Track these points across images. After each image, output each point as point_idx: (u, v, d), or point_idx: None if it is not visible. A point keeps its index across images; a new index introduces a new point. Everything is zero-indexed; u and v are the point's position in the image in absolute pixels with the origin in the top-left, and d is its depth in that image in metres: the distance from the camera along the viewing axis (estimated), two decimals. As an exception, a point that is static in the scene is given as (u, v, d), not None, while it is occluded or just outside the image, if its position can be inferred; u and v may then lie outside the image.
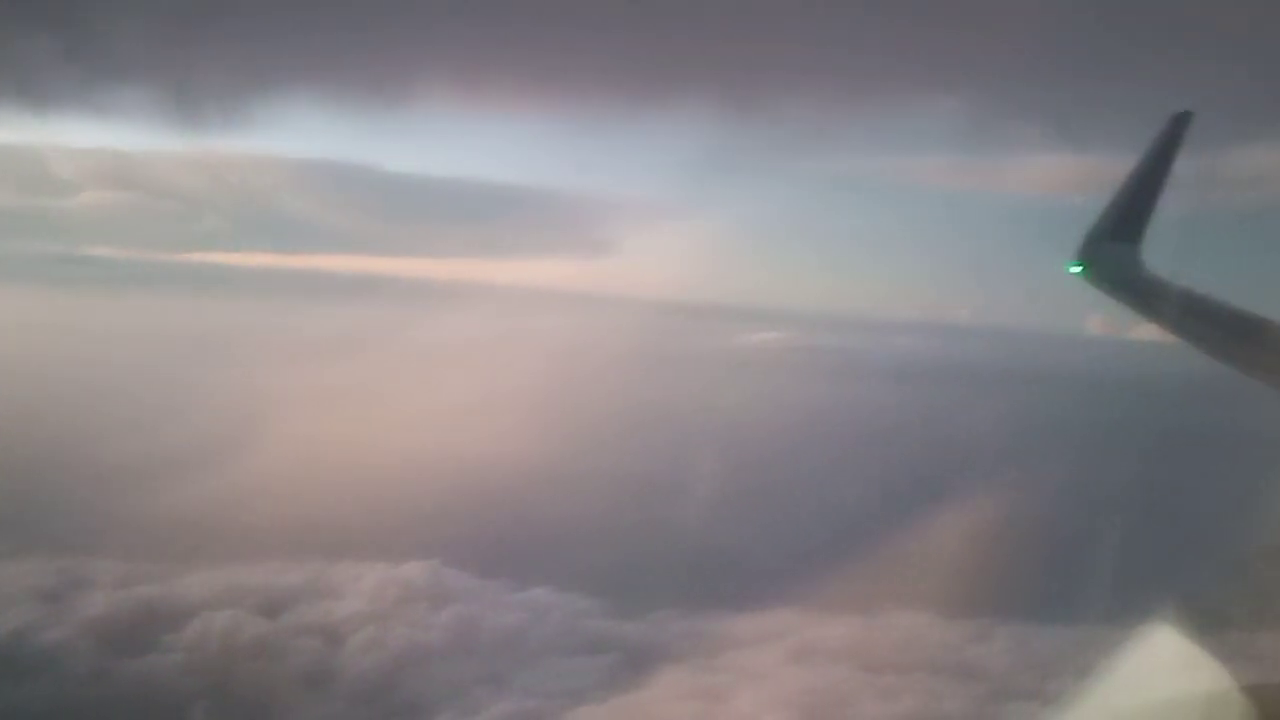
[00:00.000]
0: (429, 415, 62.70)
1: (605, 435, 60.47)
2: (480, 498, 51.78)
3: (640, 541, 43.82)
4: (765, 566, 40.51)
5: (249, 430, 60.39)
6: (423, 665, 35.20)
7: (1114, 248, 12.70)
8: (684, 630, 37.34)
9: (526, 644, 36.64)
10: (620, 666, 34.69)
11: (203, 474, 52.99)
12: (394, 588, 41.20)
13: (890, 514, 45.18)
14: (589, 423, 62.07)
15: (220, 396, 67.99)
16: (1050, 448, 55.57)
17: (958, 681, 32.02)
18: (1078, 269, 12.77)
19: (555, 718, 31.41)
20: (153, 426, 60.76)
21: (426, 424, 61.68)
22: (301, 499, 50.25)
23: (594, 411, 64.48)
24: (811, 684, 32.09)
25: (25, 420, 63.35)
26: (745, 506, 47.45)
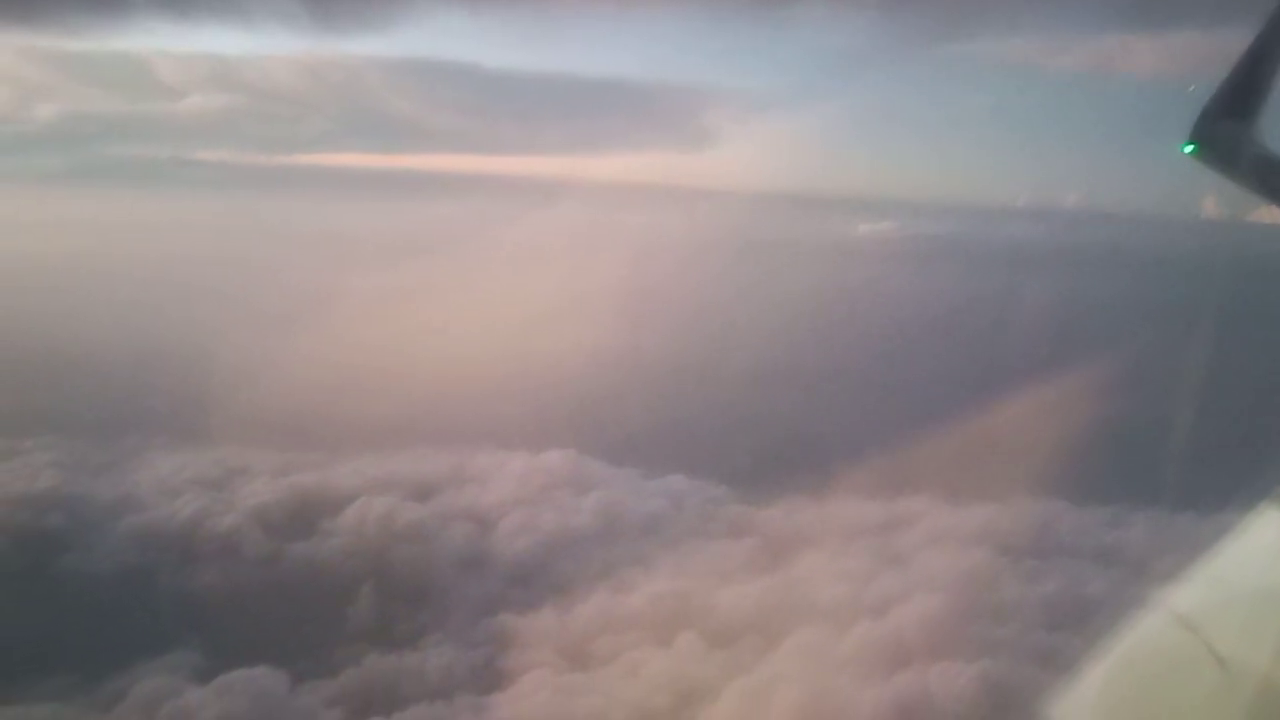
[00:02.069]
0: (546, 310, 63.98)
1: (720, 328, 61.26)
2: (606, 390, 53.17)
3: (765, 430, 44.93)
4: (891, 454, 41.21)
5: (376, 326, 62.35)
6: (572, 548, 36.82)
7: (1229, 125, 12.61)
8: (818, 517, 38.39)
9: (669, 529, 38.07)
10: (761, 551, 35.96)
11: (336, 367, 55.02)
12: (537, 475, 42.89)
13: (1013, 402, 45.53)
14: (703, 316, 62.86)
15: (344, 294, 69.94)
16: (1165, 332, 55.10)
17: (1098, 566, 32.73)
18: (1191, 149, 12.75)
19: (704, 598, 32.87)
20: (284, 323, 62.91)
21: (545, 319, 62.99)
22: (433, 392, 51.97)
23: (707, 305, 65.21)
24: (952, 567, 33.03)
25: (160, 321, 65.95)
26: (867, 395, 48.13)
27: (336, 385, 51.80)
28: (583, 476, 42.64)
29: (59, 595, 35.02)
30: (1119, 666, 2.44)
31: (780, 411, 46.22)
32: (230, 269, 78.88)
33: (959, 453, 42.26)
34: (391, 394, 51.08)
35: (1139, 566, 32.67)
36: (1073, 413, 45.54)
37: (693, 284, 68.37)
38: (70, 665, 31.23)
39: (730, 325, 59.58)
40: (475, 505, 40.62)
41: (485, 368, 53.81)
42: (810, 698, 25.87)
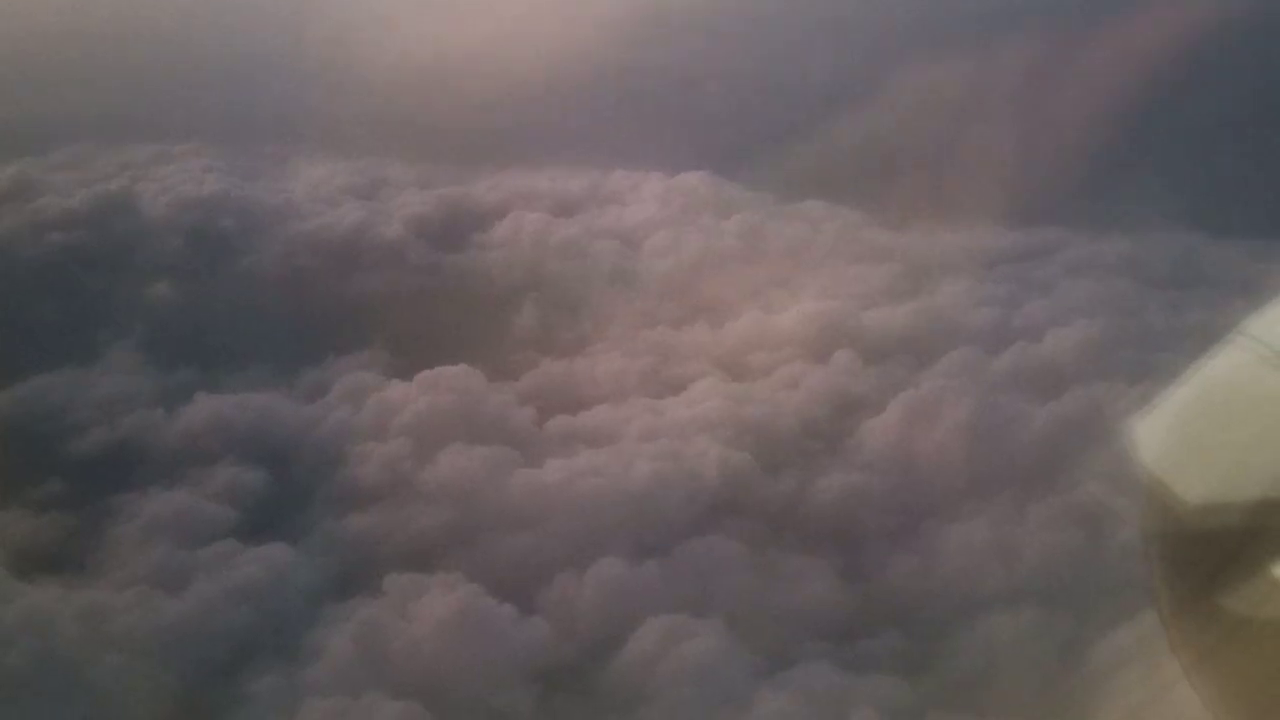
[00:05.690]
0: (664, 24, 63.00)
1: (847, 48, 60.05)
2: (736, 111, 53.23)
3: (900, 156, 45.04)
4: (1030, 183, 41.45)
5: (494, 39, 61.90)
6: (718, 268, 38.19)
7: None
8: (957, 243, 39.25)
9: (809, 252, 39.21)
10: (902, 275, 37.12)
11: (458, 79, 55.09)
12: (675, 196, 43.81)
13: (1147, 131, 45.24)
14: (829, 35, 61.56)
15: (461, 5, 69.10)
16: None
17: (1240, 297, 33.44)
18: None
19: (853, 318, 34.37)
20: (404, 34, 62.58)
21: (662, 33, 62.11)
22: (559, 108, 52.31)
23: (832, 23, 63.69)
24: (1096, 294, 34.07)
25: (282, 28, 65.71)
26: (999, 121, 47.77)
27: (459, 97, 52.20)
28: (720, 199, 43.50)
29: (241, 293, 37.24)
30: (1202, 395, 2.39)
31: (912, 136, 46.14)
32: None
33: (1091, 181, 42.50)
34: (516, 108, 51.46)
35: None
36: (1210, 143, 45.22)
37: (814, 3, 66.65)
38: (264, 359, 33.66)
39: (857, 45, 58.49)
40: (619, 224, 41.83)
41: (610, 84, 53.83)
42: (974, 412, 27.60)
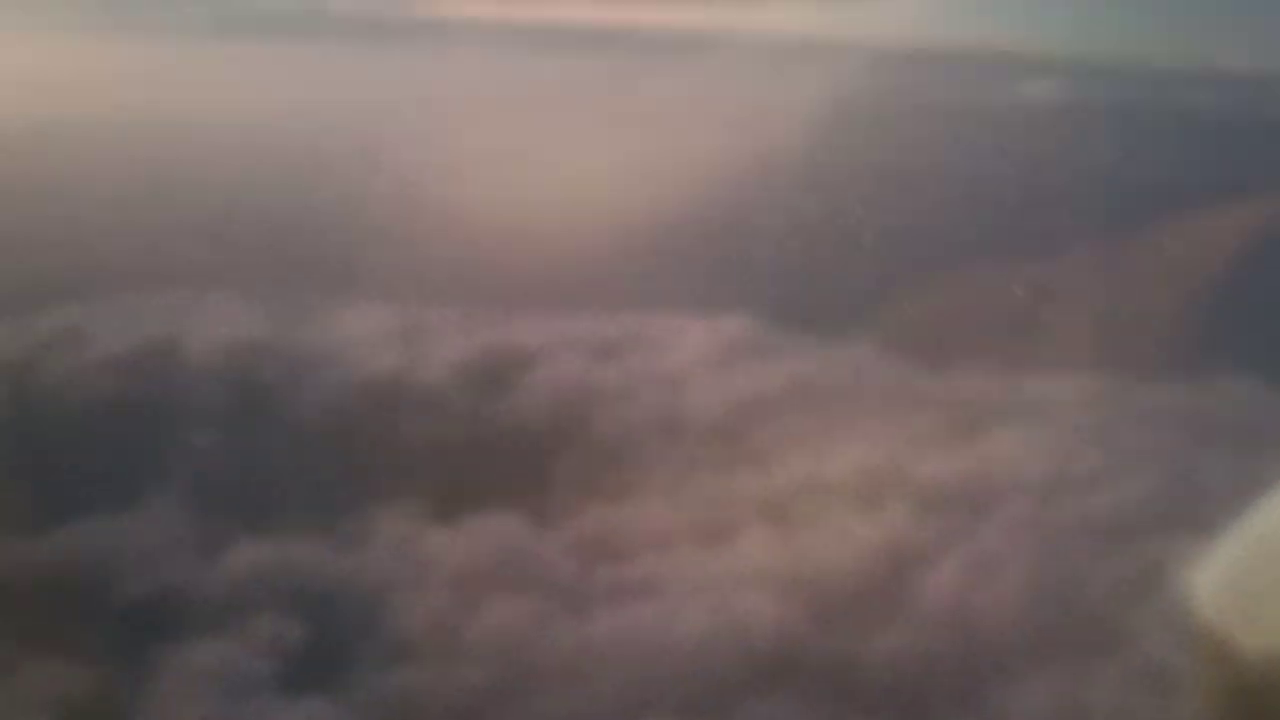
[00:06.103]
0: (700, 174, 63.86)
1: (878, 195, 60.56)
2: (776, 254, 53.43)
3: (949, 301, 44.92)
4: (1074, 330, 41.26)
5: (531, 185, 62.93)
6: (763, 414, 37.73)
7: None
8: (1008, 390, 38.73)
9: (858, 398, 38.73)
10: (955, 424, 36.49)
11: (493, 226, 55.87)
12: (717, 340, 43.63)
13: (1195, 278, 45.10)
14: (859, 183, 62.08)
15: (494, 154, 70.45)
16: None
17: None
18: None
19: (905, 468, 33.72)
20: (437, 181, 63.75)
21: (699, 182, 62.93)
22: (597, 253, 52.69)
23: (861, 171, 64.32)
24: (1152, 444, 33.36)
25: (310, 177, 67.15)
26: (1042, 269, 47.81)
27: (499, 241, 52.68)
28: (763, 343, 43.19)
29: (282, 440, 36.92)
30: (1259, 545, 2.40)
31: (961, 281, 46.08)
32: (377, 125, 79.64)
33: (1143, 329, 42.14)
34: (554, 253, 51.87)
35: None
36: (1266, 290, 44.93)
37: (846, 150, 67.22)
38: (306, 507, 33.18)
39: (889, 192, 58.93)
40: (661, 368, 41.48)
41: (649, 228, 54.20)
42: (1034, 567, 26.78)
